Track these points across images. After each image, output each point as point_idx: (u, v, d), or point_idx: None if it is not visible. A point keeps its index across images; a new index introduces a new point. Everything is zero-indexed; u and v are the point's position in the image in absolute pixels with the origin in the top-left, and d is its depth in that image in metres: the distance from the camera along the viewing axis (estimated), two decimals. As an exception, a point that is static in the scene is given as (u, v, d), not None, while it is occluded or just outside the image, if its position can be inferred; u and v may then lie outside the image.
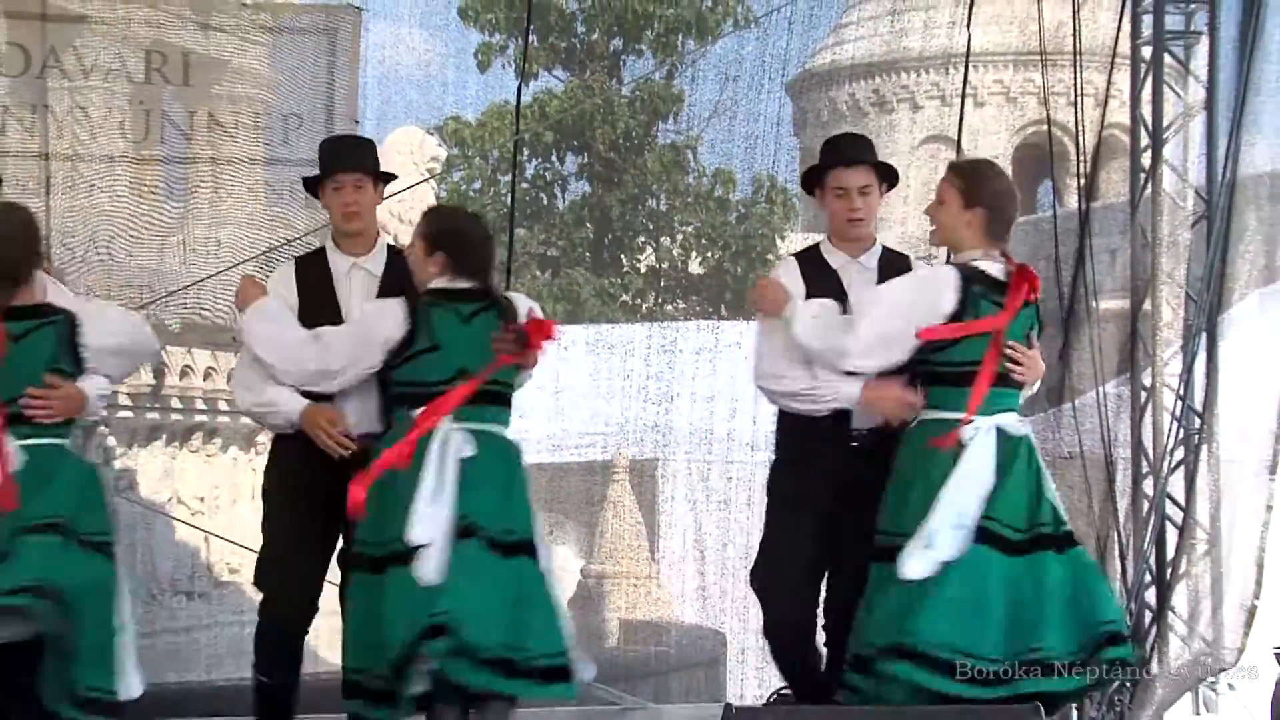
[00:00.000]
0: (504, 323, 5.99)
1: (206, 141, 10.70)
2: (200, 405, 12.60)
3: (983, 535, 5.67)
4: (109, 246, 10.30)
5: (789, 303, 5.96)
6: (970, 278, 5.87)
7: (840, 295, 6.13)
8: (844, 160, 6.32)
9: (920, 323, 5.84)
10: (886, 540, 5.77)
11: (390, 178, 6.70)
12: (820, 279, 6.19)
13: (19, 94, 10.04)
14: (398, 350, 5.97)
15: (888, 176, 6.35)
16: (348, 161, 6.60)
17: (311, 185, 6.55)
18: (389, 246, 6.48)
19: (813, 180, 6.36)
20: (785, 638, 6.25)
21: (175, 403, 12.44)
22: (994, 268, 5.91)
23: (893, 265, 6.27)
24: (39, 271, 6.07)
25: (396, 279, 6.25)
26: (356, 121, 10.34)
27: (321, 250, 6.59)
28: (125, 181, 10.56)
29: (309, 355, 6.17)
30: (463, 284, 6.04)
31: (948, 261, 6.09)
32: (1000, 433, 5.82)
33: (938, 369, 5.83)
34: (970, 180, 6.01)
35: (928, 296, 5.89)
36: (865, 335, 5.81)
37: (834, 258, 6.28)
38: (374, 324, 6.04)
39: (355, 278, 6.37)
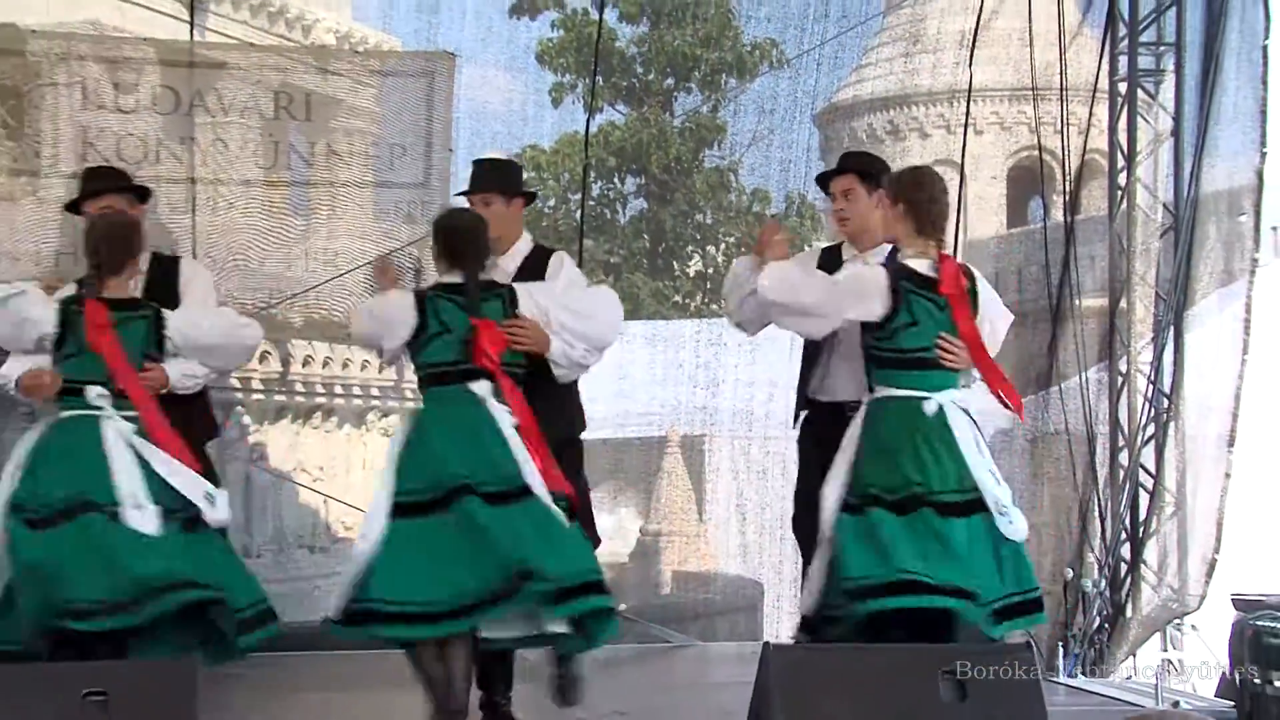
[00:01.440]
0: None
1: (325, 167, 10.69)
2: (319, 389, 12.62)
3: None
4: (244, 256, 10.32)
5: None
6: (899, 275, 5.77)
7: None
8: (831, 170, 6.37)
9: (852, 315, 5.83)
10: (865, 496, 5.62)
11: (529, 196, 6.75)
12: (828, 268, 6.18)
13: (171, 129, 10.07)
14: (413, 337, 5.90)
15: (871, 182, 6.22)
16: (474, 183, 6.64)
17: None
18: (536, 246, 6.46)
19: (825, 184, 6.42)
20: None
21: (299, 387, 12.46)
22: (923, 264, 5.79)
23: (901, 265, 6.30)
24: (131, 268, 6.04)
25: (528, 275, 6.25)
26: (451, 150, 10.32)
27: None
28: (258, 202, 10.58)
29: None
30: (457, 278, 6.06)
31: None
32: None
33: (889, 354, 5.73)
34: (899, 183, 5.93)
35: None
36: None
37: (846, 253, 6.30)
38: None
39: (494, 274, 6.42)
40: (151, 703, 4.81)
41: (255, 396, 12.09)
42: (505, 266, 6.32)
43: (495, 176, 6.62)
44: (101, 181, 6.62)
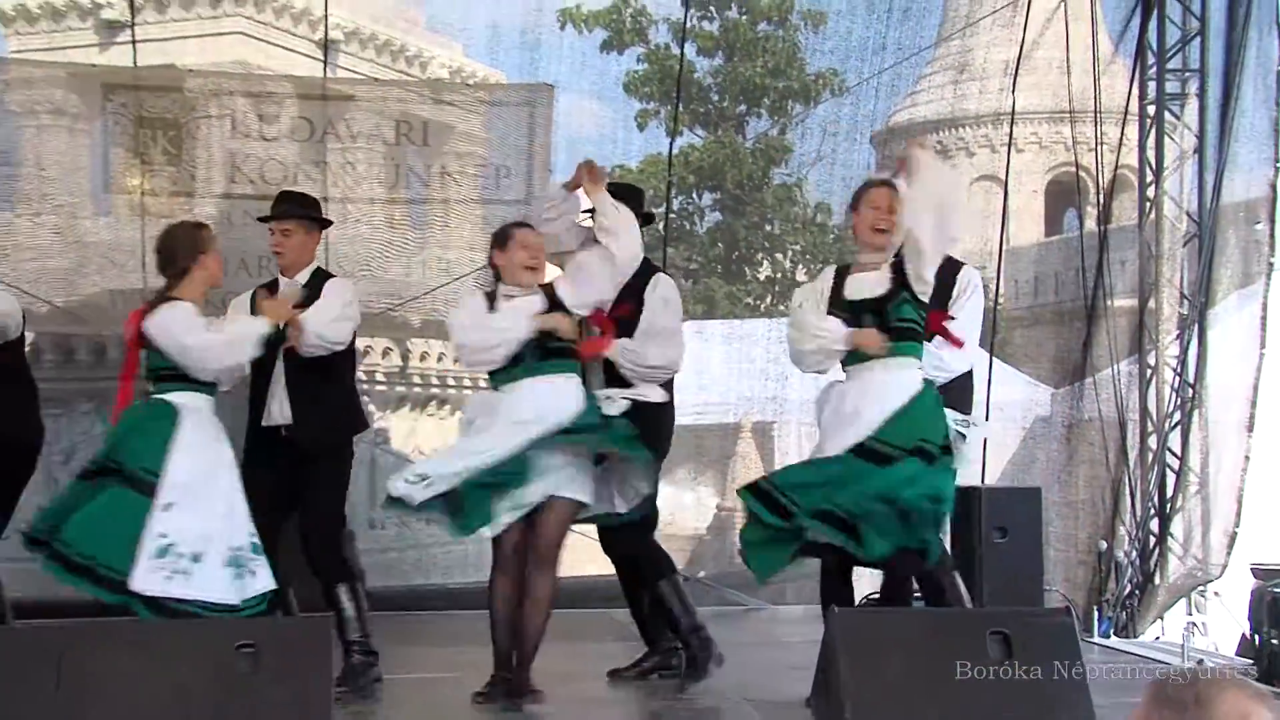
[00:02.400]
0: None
1: (439, 187, 10.74)
2: (434, 381, 12.64)
3: None
4: (369, 265, 10.39)
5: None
6: None
7: None
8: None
9: None
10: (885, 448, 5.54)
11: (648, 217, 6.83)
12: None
13: (306, 154, 10.14)
14: None
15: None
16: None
17: None
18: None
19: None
20: None
21: (416, 379, 12.50)
22: None
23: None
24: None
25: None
26: (549, 171, 10.32)
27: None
28: (381, 217, 10.65)
29: None
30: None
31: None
32: None
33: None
34: None
35: None
36: None
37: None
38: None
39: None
40: (293, 653, 4.87)
41: (379, 388, 12.16)
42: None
43: (630, 199, 6.65)
44: (286, 205, 6.72)
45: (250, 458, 6.26)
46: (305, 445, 6.28)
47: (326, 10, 10.55)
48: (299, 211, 6.65)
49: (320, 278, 6.53)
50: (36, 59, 11.59)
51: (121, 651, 4.90)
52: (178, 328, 5.81)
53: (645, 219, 6.68)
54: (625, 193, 6.65)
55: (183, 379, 5.83)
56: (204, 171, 9.62)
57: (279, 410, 6.36)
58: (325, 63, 10.90)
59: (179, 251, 6.03)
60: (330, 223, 7.01)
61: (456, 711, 6.12)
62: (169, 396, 5.82)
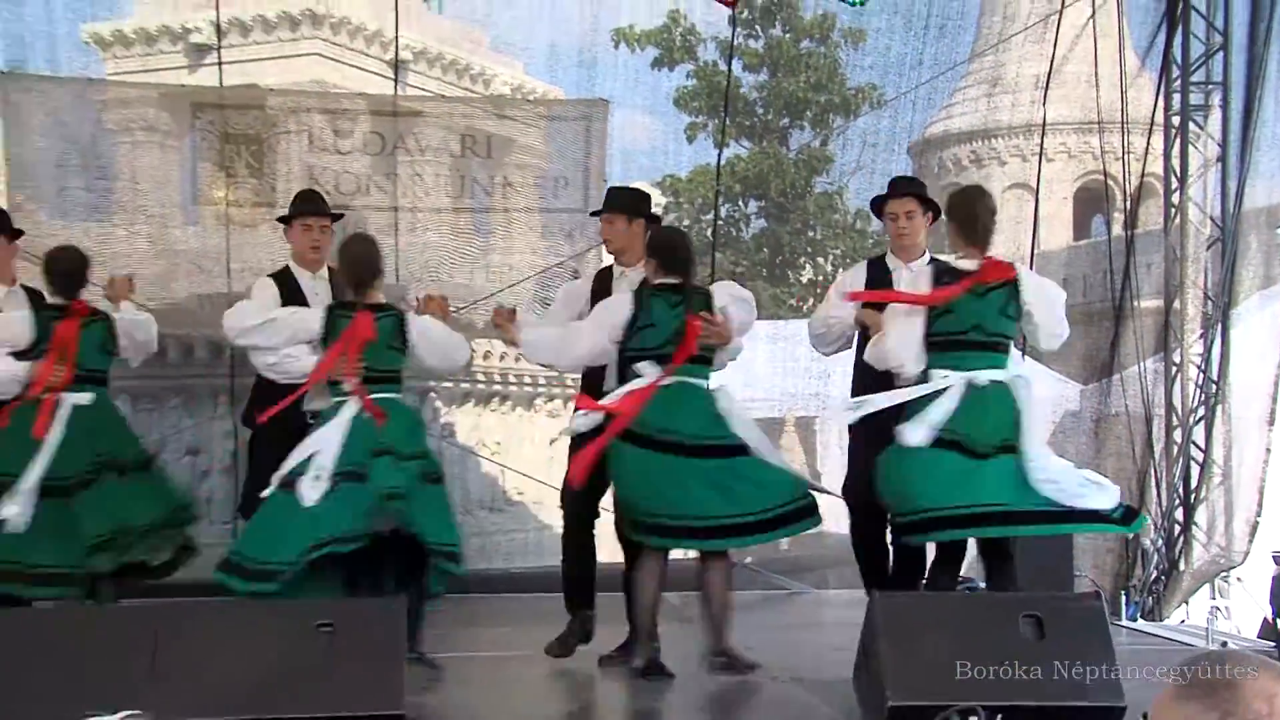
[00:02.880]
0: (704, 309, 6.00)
1: (501, 196, 10.77)
2: (497, 378, 12.67)
3: None
4: (437, 270, 10.44)
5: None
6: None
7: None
8: (895, 193, 6.33)
9: None
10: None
11: (653, 217, 6.77)
12: (879, 278, 6.19)
13: (378, 166, 10.21)
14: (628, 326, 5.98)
15: (931, 206, 6.28)
16: (605, 203, 6.69)
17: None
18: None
19: (877, 208, 6.40)
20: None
21: (480, 377, 12.53)
22: (967, 264, 5.78)
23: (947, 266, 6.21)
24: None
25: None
26: (605, 181, 10.33)
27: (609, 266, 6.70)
28: (447, 225, 10.70)
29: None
30: (670, 279, 6.11)
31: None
32: None
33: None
34: (951, 203, 5.99)
35: None
36: None
37: (891, 263, 6.28)
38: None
39: (621, 284, 6.41)
40: (368, 632, 4.90)
41: (445, 384, 12.22)
42: (632, 277, 6.38)
43: (615, 200, 6.68)
44: (309, 204, 6.77)
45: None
46: None
47: (397, 32, 10.62)
48: (337, 213, 6.83)
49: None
50: (131, 81, 11.72)
51: (211, 629, 4.96)
52: (441, 329, 6.22)
53: (652, 219, 6.69)
54: (634, 196, 6.77)
55: (397, 380, 6.10)
56: (284, 184, 9.67)
57: None
58: (396, 81, 10.97)
59: (378, 261, 6.22)
60: (341, 216, 7.05)
61: (524, 686, 6.16)
62: (393, 396, 6.04)
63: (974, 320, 5.69)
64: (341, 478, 5.69)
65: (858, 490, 6.19)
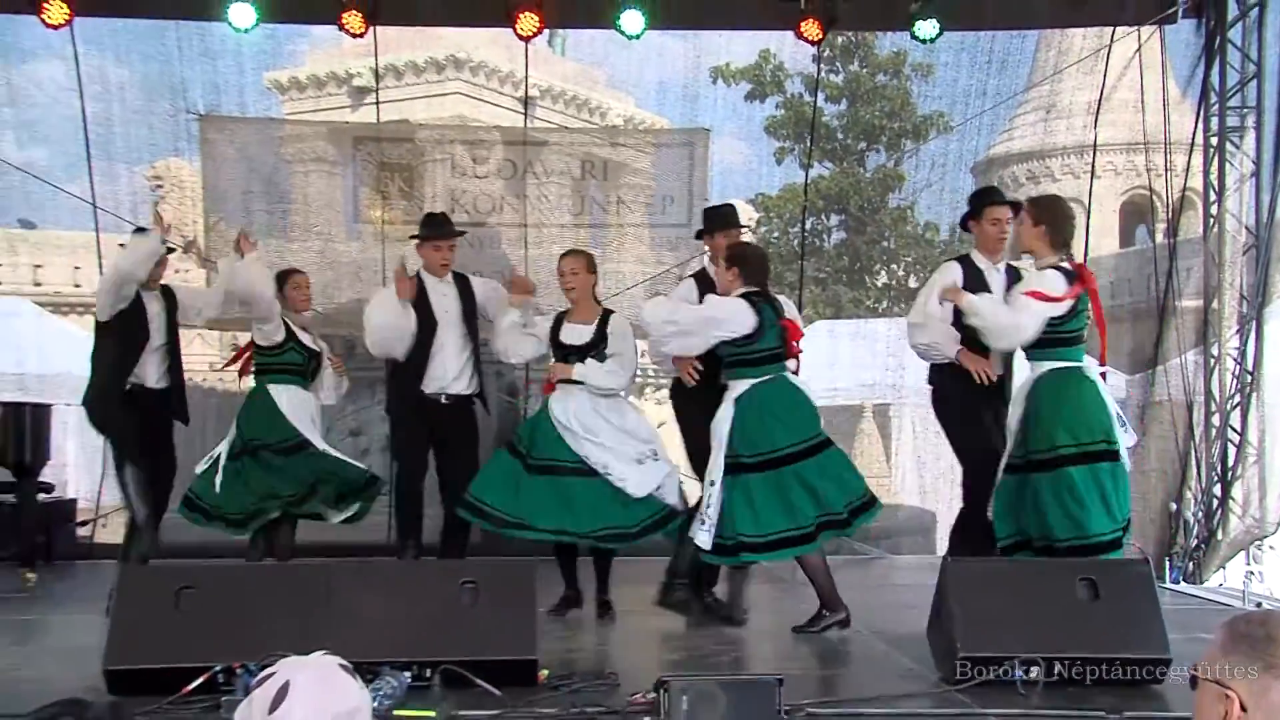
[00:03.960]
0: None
1: (616, 213, 10.79)
2: (613, 371, 12.75)
3: None
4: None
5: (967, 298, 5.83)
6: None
7: (985, 288, 6.06)
8: (997, 200, 6.37)
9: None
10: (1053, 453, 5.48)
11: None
12: (972, 276, 6.13)
13: (510, 188, 10.28)
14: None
15: (1016, 211, 6.20)
16: (707, 222, 6.71)
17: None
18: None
19: (968, 217, 6.35)
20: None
21: (598, 370, 12.62)
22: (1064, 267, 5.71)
23: (1013, 272, 6.20)
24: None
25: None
26: (706, 199, 10.35)
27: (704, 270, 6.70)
28: (569, 238, 10.72)
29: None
30: (748, 289, 6.08)
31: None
32: None
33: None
34: (1039, 208, 5.85)
35: None
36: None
37: (979, 262, 6.22)
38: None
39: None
40: (505, 589, 4.94)
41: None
42: None
43: (714, 218, 6.72)
44: (438, 228, 6.86)
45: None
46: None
47: (527, 74, 10.69)
48: (460, 231, 7.02)
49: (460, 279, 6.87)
50: (304, 119, 11.96)
51: (373, 585, 5.04)
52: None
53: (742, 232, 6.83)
54: (725, 211, 6.84)
55: None
56: (430, 204, 9.74)
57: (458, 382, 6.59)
58: (525, 115, 11.04)
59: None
60: (464, 233, 7.27)
61: (639, 638, 6.19)
62: None
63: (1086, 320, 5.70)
64: None
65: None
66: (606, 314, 6.47)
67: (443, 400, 6.54)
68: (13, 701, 4.28)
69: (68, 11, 7.90)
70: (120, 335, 6.58)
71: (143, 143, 9.77)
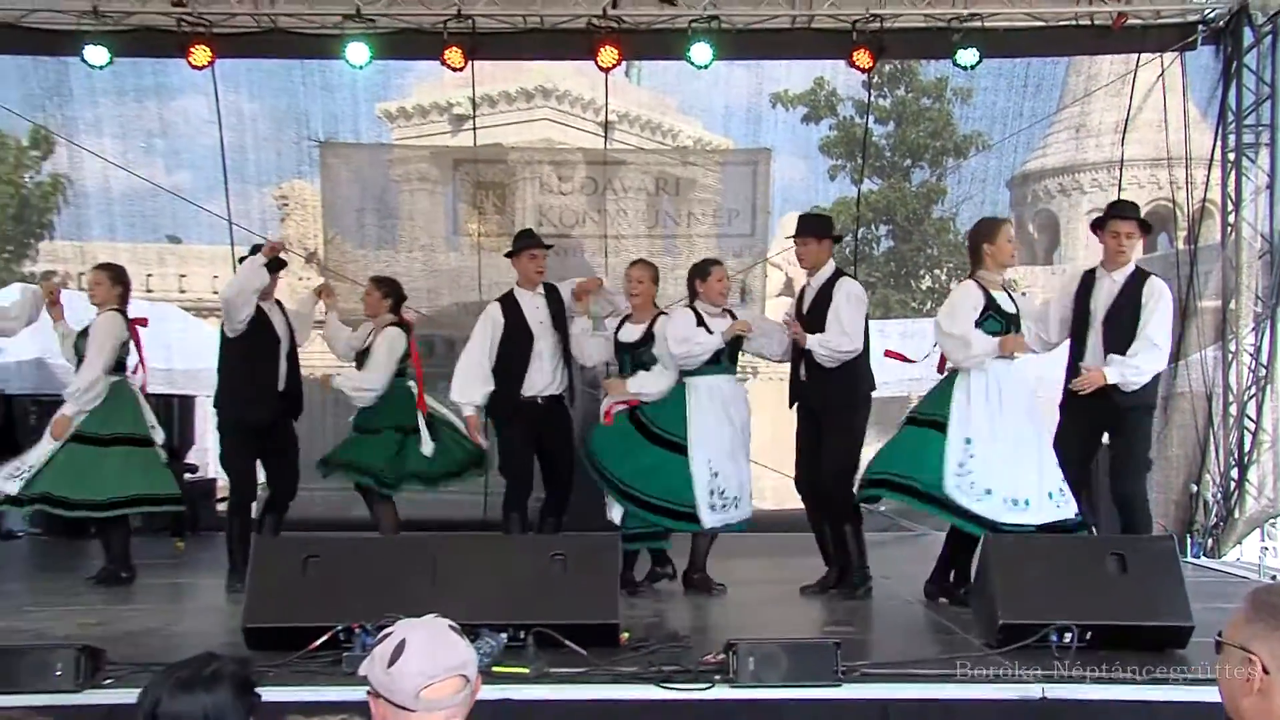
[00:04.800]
0: None
1: (686, 225, 10.77)
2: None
3: None
4: (638, 283, 10.53)
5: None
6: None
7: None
8: (1120, 214, 6.04)
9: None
10: None
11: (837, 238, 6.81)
12: (1087, 283, 6.03)
13: (591, 204, 10.29)
14: None
15: (1145, 227, 6.06)
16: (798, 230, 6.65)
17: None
18: (836, 270, 6.46)
19: (1098, 224, 6.08)
20: None
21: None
22: None
23: (1140, 277, 5.94)
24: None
25: (829, 289, 6.28)
26: (768, 212, 10.31)
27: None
28: (644, 248, 10.71)
29: None
30: None
31: None
32: None
33: None
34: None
35: None
36: None
37: (1099, 272, 6.05)
38: None
39: (807, 294, 6.40)
40: (590, 561, 4.94)
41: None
42: (813, 284, 6.38)
43: (804, 227, 6.66)
44: (532, 240, 6.89)
45: None
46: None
47: (606, 101, 10.72)
48: (549, 244, 6.98)
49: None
50: (409, 144, 12.08)
51: (475, 555, 5.09)
52: None
53: (836, 239, 6.70)
54: (820, 220, 6.77)
55: None
56: (520, 218, 9.82)
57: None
58: (605, 138, 11.07)
59: None
60: (552, 246, 7.19)
61: (710, 606, 6.19)
62: None
63: None
64: None
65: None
66: (658, 316, 6.50)
67: (539, 401, 6.59)
68: (162, 653, 4.38)
69: (210, 55, 8.17)
70: (249, 343, 6.63)
71: (271, 167, 9.95)
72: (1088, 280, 6.07)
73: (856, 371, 6.30)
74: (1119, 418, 5.78)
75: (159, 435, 6.71)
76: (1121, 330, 5.81)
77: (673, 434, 6.17)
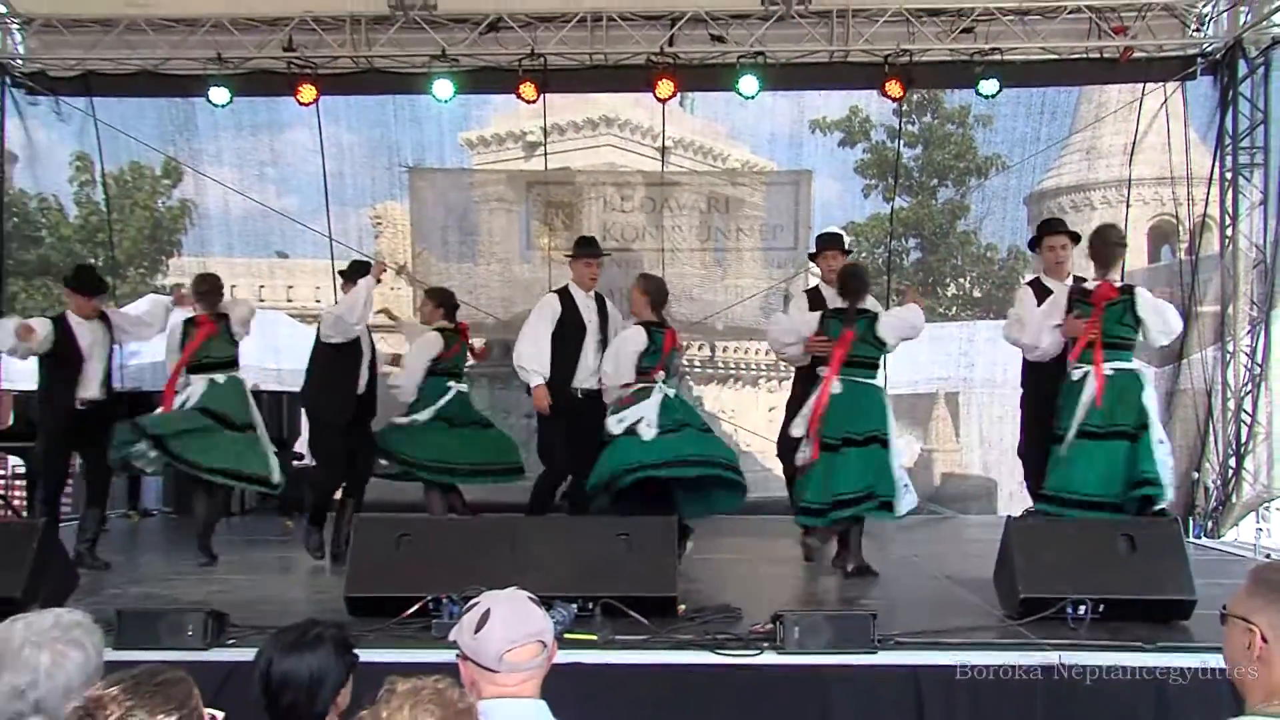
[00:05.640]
0: None
1: (734, 240, 10.77)
2: (731, 366, 12.73)
3: None
4: (690, 291, 10.52)
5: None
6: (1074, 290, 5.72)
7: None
8: (1051, 230, 6.25)
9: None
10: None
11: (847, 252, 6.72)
12: (1042, 296, 6.01)
13: (650, 220, 10.33)
14: None
15: (1075, 239, 6.18)
16: (819, 244, 6.62)
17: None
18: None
19: (1034, 243, 6.30)
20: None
21: (719, 364, 12.59)
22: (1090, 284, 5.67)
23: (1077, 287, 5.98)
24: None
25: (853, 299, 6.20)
26: (809, 227, 10.25)
27: (816, 288, 6.61)
28: (697, 260, 10.76)
29: None
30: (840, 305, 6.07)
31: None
32: None
33: None
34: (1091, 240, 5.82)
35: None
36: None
37: (1049, 284, 6.08)
38: None
39: (834, 301, 6.35)
40: (651, 541, 4.94)
41: (696, 369, 12.33)
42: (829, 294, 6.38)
43: (826, 242, 6.64)
44: (590, 248, 6.87)
45: None
46: None
47: (664, 128, 10.75)
48: (605, 253, 6.96)
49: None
50: (488, 169, 12.15)
51: (549, 534, 5.12)
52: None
53: (846, 252, 6.69)
54: (835, 236, 6.76)
55: None
56: (585, 235, 9.88)
57: None
58: (662, 162, 11.08)
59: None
60: (609, 255, 7.13)
61: (759, 580, 6.18)
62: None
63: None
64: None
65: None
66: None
67: (579, 395, 6.55)
68: (276, 617, 4.45)
69: (315, 92, 8.38)
70: (340, 349, 6.66)
71: (366, 190, 10.07)
72: (1039, 288, 6.14)
73: None
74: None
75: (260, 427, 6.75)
76: None
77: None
